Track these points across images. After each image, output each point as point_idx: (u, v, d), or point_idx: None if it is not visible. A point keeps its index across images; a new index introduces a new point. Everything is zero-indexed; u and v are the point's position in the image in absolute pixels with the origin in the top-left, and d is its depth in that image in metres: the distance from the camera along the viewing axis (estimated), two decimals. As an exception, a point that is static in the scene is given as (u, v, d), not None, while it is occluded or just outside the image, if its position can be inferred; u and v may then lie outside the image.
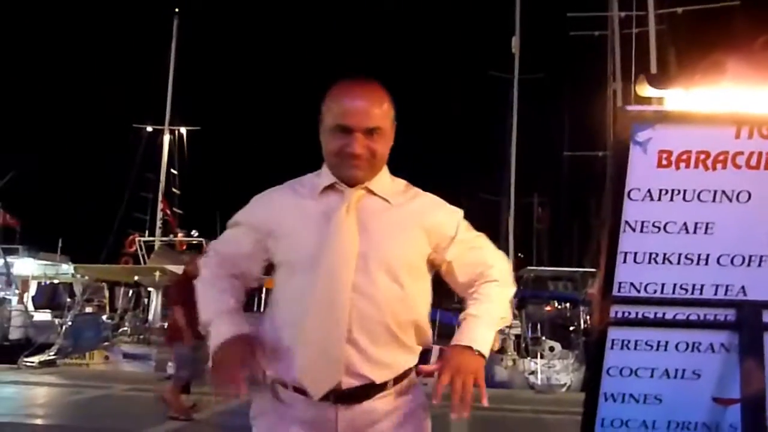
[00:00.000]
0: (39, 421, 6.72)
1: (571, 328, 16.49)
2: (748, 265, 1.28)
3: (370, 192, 1.47)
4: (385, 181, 1.51)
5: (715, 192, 1.25)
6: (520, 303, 16.48)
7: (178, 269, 14.41)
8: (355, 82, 1.46)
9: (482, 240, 1.52)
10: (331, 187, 1.47)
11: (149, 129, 26.11)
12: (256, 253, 1.53)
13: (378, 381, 1.38)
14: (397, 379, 1.42)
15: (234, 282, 1.53)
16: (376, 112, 1.42)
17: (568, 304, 19.04)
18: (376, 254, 1.39)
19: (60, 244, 22.98)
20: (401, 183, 1.55)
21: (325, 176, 1.50)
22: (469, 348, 1.34)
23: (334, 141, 1.43)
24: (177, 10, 26.46)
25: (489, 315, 1.41)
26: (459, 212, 1.52)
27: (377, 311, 1.38)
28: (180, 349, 6.27)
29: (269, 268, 1.56)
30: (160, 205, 23.68)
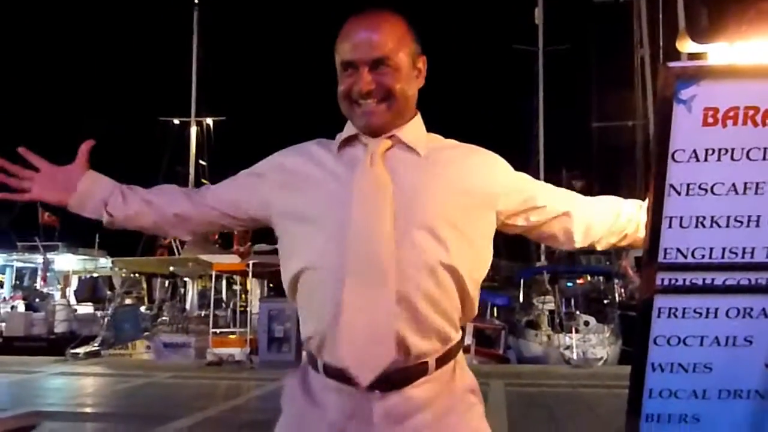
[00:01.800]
0: (89, 410, 6.97)
1: (606, 302, 16.32)
2: (802, 225, 1.21)
3: (399, 141, 1.28)
4: (418, 130, 1.31)
5: (765, 149, 1.18)
6: (553, 278, 16.37)
7: (211, 258, 14.68)
8: (363, 13, 1.27)
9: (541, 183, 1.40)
10: (354, 138, 1.29)
11: (176, 121, 26.44)
12: (247, 197, 1.36)
13: (424, 360, 1.20)
14: (444, 359, 1.24)
15: (180, 198, 1.38)
16: (382, 40, 1.22)
17: (601, 278, 18.82)
18: (411, 210, 1.20)
19: (97, 240, 23.63)
20: (437, 136, 1.35)
21: (346, 130, 1.32)
22: None
23: (343, 82, 1.26)
24: (197, 1, 26.59)
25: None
26: (501, 160, 1.36)
27: (424, 275, 1.18)
28: None
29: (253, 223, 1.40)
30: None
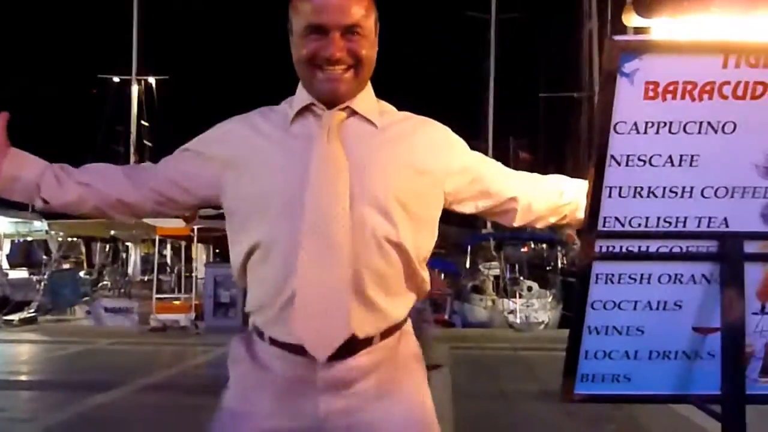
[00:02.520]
0: (24, 378, 6.75)
1: (548, 268, 16.91)
2: (732, 196, 1.28)
3: (354, 113, 1.24)
4: (371, 100, 1.28)
5: (701, 123, 1.23)
6: (498, 244, 16.79)
7: (155, 222, 14.31)
8: None
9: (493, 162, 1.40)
10: (306, 110, 1.24)
11: (116, 79, 25.26)
12: (193, 180, 1.28)
13: (370, 333, 1.22)
14: (389, 331, 1.26)
15: (119, 177, 1.30)
16: (354, 6, 1.18)
17: (544, 245, 19.44)
18: (364, 188, 1.19)
19: (31, 201, 22.50)
20: (387, 105, 1.32)
21: (298, 98, 1.25)
22: None
23: (307, 45, 1.19)
24: (137, -48, 25.17)
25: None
26: (451, 133, 1.35)
27: (374, 254, 1.19)
28: None
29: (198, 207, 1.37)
30: (132, 158, 23.18)
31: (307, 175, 1.18)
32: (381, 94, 1.33)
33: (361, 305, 1.20)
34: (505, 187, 1.38)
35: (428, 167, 1.27)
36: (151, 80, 25.56)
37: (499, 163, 1.42)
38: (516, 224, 1.41)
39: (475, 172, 1.35)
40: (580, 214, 1.36)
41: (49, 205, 1.29)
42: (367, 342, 1.22)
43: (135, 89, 25.40)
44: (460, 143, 1.36)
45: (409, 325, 1.34)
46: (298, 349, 1.20)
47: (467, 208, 1.37)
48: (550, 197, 1.41)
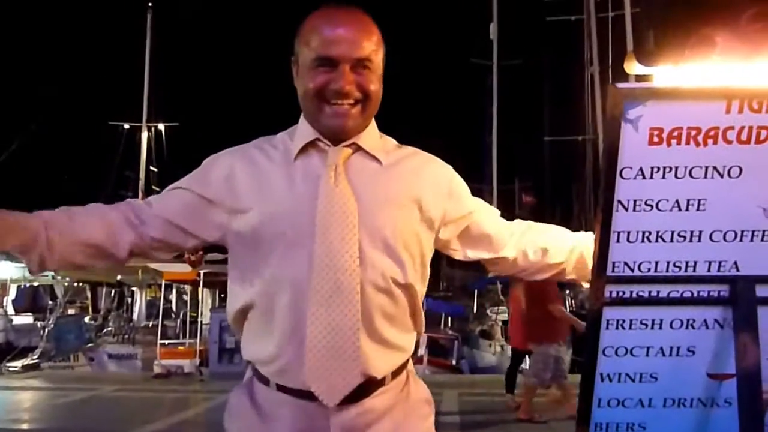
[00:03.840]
0: (25, 426, 6.63)
1: (557, 312, 16.69)
2: (741, 240, 1.28)
3: (359, 149, 1.22)
4: (375, 135, 1.26)
5: (707, 168, 1.24)
6: (506, 288, 16.63)
7: (161, 267, 14.33)
8: (337, 7, 1.19)
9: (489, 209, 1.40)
10: (311, 145, 1.20)
11: (126, 126, 25.73)
12: (190, 223, 1.22)
13: (380, 375, 1.20)
14: (398, 371, 1.25)
15: (117, 218, 1.19)
16: (366, 39, 1.16)
17: (552, 288, 19.21)
18: (373, 230, 1.17)
19: (39, 246, 22.61)
20: (391, 140, 1.30)
21: (302, 133, 1.22)
22: None
23: (315, 78, 1.16)
24: (150, 4, 26.03)
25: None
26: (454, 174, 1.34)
27: (383, 295, 1.18)
28: (547, 349, 5.85)
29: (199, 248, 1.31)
30: (140, 203, 23.36)
31: (314, 218, 1.15)
32: (390, 136, 1.34)
33: (374, 344, 1.18)
34: (498, 239, 1.37)
35: (429, 211, 1.26)
36: (161, 127, 26.04)
37: (497, 212, 1.41)
38: (508, 275, 1.42)
39: (472, 220, 1.35)
40: (582, 270, 1.36)
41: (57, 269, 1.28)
42: (381, 382, 1.20)
43: (145, 136, 25.84)
44: (461, 188, 1.36)
45: (412, 366, 1.32)
46: (309, 395, 1.16)
47: (457, 255, 1.37)
48: (549, 252, 1.39)
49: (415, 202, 1.24)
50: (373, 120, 1.27)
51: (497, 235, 1.37)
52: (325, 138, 1.21)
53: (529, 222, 1.44)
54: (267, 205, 1.18)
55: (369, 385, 1.19)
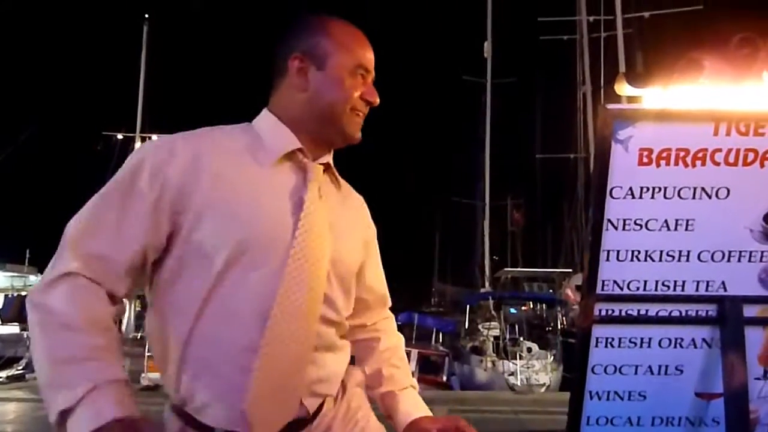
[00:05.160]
0: (8, 438, 6.52)
1: (548, 329, 16.69)
2: (728, 260, 1.29)
3: (329, 169, 1.15)
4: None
5: (695, 189, 1.26)
6: (498, 304, 16.64)
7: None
8: (348, 23, 1.15)
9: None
10: (290, 155, 1.09)
11: (120, 136, 25.68)
12: (151, 245, 1.02)
13: (312, 409, 1.09)
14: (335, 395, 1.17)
15: (110, 311, 1.02)
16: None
17: (544, 305, 19.25)
18: (338, 260, 1.11)
19: (28, 255, 22.48)
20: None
21: (279, 137, 1.09)
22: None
23: (354, 86, 1.09)
24: (147, 16, 26.13)
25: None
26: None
27: (332, 331, 1.12)
28: None
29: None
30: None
31: (291, 239, 1.03)
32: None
33: (317, 380, 1.09)
34: (374, 299, 1.30)
35: (367, 246, 1.24)
36: (154, 137, 26.02)
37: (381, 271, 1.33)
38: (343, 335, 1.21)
39: (369, 264, 1.27)
40: (371, 388, 1.28)
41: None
42: (320, 408, 1.12)
43: (138, 146, 25.81)
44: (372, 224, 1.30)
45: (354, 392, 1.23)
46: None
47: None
48: (384, 378, 1.29)
49: (362, 238, 1.22)
50: None
51: (377, 291, 1.31)
52: (315, 149, 1.12)
53: (399, 335, 1.37)
54: (239, 210, 1.02)
55: (302, 421, 1.09)
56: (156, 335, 1.09)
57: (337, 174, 1.17)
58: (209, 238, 1.01)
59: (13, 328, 18.20)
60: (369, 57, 1.13)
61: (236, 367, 1.01)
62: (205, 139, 1.08)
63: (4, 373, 11.70)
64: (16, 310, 19.92)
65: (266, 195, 1.06)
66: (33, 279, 21.53)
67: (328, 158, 1.15)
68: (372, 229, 1.28)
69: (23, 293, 21.10)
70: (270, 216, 1.04)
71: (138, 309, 17.56)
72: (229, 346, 1.02)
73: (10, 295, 20.95)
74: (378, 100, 1.12)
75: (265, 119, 1.14)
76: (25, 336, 16.29)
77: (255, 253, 1.02)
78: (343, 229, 1.14)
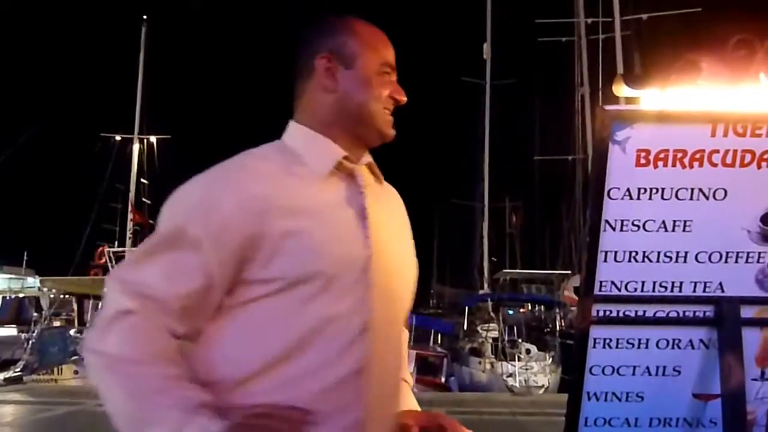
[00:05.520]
0: (6, 441, 6.50)
1: (546, 330, 16.69)
2: (726, 261, 1.29)
3: (372, 167, 1.14)
4: None
5: (692, 190, 1.26)
6: (496, 306, 16.65)
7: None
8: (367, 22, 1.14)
9: None
10: (336, 164, 1.06)
11: (118, 138, 25.64)
12: (218, 289, 0.98)
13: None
14: None
15: (173, 344, 0.97)
16: None
17: (542, 307, 19.25)
18: (401, 264, 1.11)
19: (25, 257, 22.47)
20: None
21: (322, 148, 1.06)
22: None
23: (386, 85, 1.09)
24: (145, 17, 26.11)
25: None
26: None
27: (403, 328, 1.18)
28: None
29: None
30: (130, 216, 23.22)
31: (367, 253, 1.02)
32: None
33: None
34: None
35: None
36: (153, 139, 25.98)
37: None
38: None
39: None
40: None
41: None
42: None
43: (136, 148, 25.76)
44: None
45: None
46: None
47: None
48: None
49: (410, 233, 1.21)
50: None
51: None
52: (356, 152, 1.10)
53: (405, 330, 1.31)
54: (310, 235, 0.98)
55: None
56: (226, 354, 1.00)
57: (377, 170, 1.14)
58: (289, 272, 0.97)
59: (10, 330, 18.16)
60: (393, 55, 1.12)
61: (348, 387, 0.99)
62: (241, 175, 1.01)
63: (1, 376, 11.66)
64: (14, 312, 19.88)
65: (327, 213, 1.02)
66: (30, 281, 21.49)
67: (369, 157, 1.13)
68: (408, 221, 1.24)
69: (20, 295, 21.06)
70: (340, 236, 1.01)
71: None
72: (337, 360, 0.99)
73: (7, 297, 20.91)
74: (405, 99, 1.11)
75: (298, 132, 1.09)
76: (22, 338, 16.25)
77: (336, 276, 0.99)
78: (398, 229, 1.15)
